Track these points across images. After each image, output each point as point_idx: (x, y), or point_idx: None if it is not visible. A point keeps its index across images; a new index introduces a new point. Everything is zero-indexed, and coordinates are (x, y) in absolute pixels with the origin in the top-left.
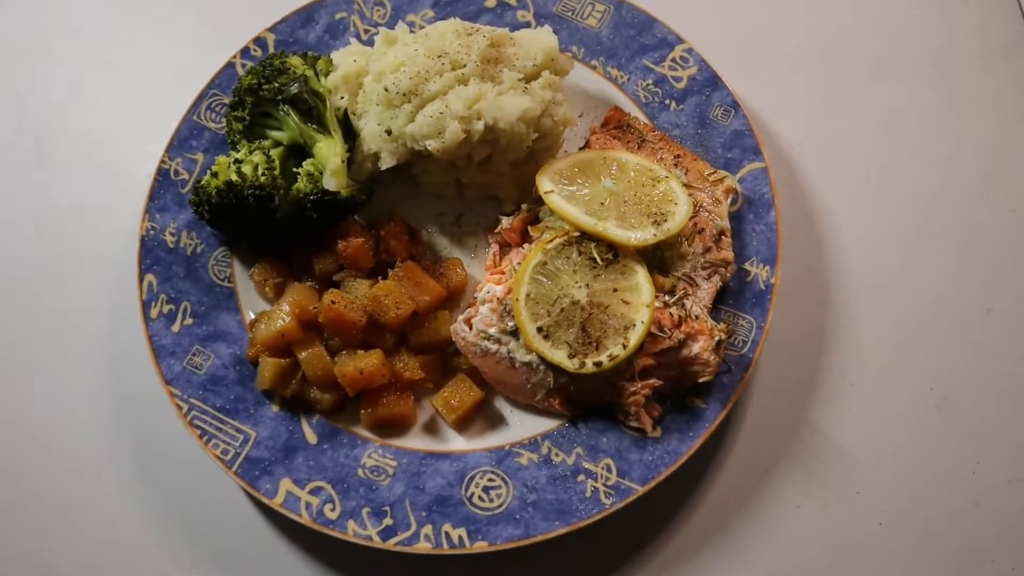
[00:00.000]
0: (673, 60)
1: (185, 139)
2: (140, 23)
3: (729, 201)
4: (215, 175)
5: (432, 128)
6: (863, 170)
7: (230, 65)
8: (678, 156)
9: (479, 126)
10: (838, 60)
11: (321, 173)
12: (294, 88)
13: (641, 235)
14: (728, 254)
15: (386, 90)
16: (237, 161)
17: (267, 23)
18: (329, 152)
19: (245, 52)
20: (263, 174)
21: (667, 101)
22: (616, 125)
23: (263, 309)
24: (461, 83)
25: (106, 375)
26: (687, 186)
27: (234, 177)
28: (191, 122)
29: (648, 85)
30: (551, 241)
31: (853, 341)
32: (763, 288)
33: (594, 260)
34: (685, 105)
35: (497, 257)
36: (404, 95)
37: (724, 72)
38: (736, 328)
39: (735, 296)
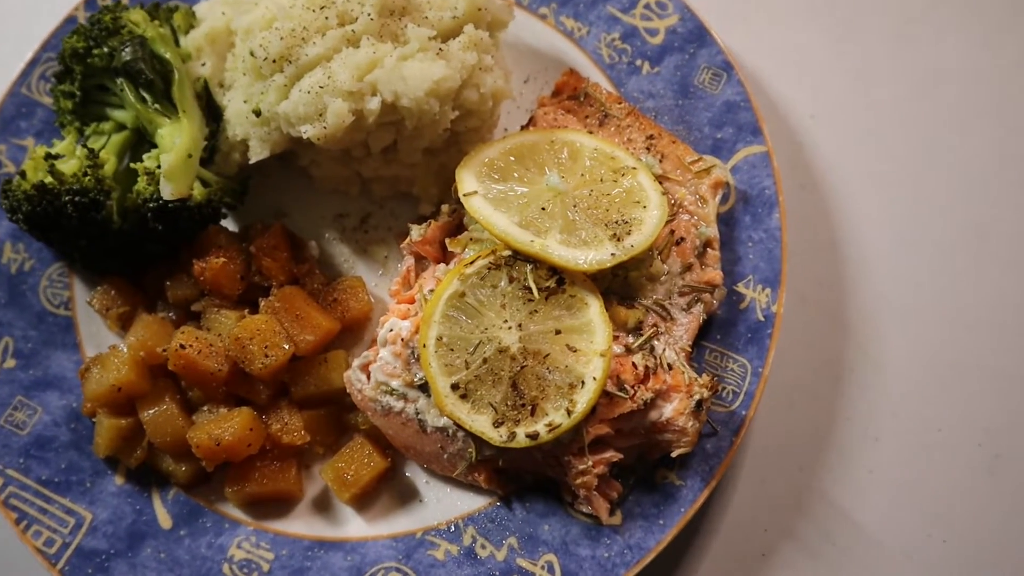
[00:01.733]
0: (647, 7)
1: (11, 119)
2: None
3: (718, 199)
4: (22, 175)
5: (311, 108)
6: (892, 151)
7: (71, 20)
8: (651, 137)
9: (373, 104)
10: (859, 9)
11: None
12: (126, 54)
13: (594, 256)
14: (715, 274)
15: (252, 55)
16: (51, 156)
17: None
18: (169, 143)
19: (90, 1)
20: (86, 173)
21: (638, 62)
22: (570, 95)
23: (110, 343)
24: (350, 44)
25: None
26: (662, 179)
27: (47, 178)
28: (19, 96)
29: (613, 40)
30: (472, 263)
31: (878, 382)
32: (761, 319)
33: (528, 290)
34: (662, 67)
35: (411, 274)
36: (274, 62)
37: (714, 22)
38: (723, 376)
39: (723, 329)
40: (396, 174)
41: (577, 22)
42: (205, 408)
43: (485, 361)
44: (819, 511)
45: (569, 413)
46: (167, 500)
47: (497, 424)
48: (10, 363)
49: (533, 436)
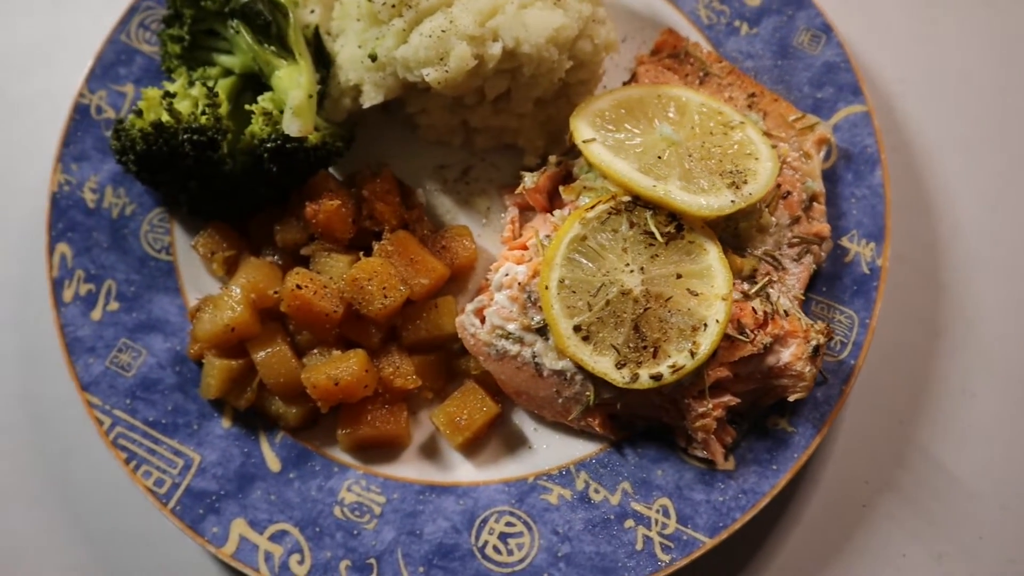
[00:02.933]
0: None
1: (111, 65)
2: None
3: (822, 155)
4: (139, 114)
5: (432, 51)
6: (983, 114)
7: None
8: (753, 95)
9: (495, 49)
10: None
11: (281, 112)
12: None
13: (715, 201)
14: (823, 227)
15: (370, 0)
16: (169, 95)
17: None
18: (291, 83)
19: None
20: (203, 112)
21: (736, 23)
22: (670, 53)
23: (211, 289)
24: None
25: (4, 375)
26: (766, 135)
27: (165, 117)
28: (118, 43)
29: (711, 2)
30: (592, 208)
31: (973, 339)
32: (867, 272)
33: (650, 235)
34: (760, 28)
35: (517, 225)
36: (393, 6)
37: None
38: (833, 325)
39: (829, 281)
40: (503, 125)
41: None
42: (315, 351)
43: (608, 303)
44: (918, 464)
45: (693, 354)
46: (274, 443)
47: (620, 365)
48: (113, 305)
49: (656, 377)
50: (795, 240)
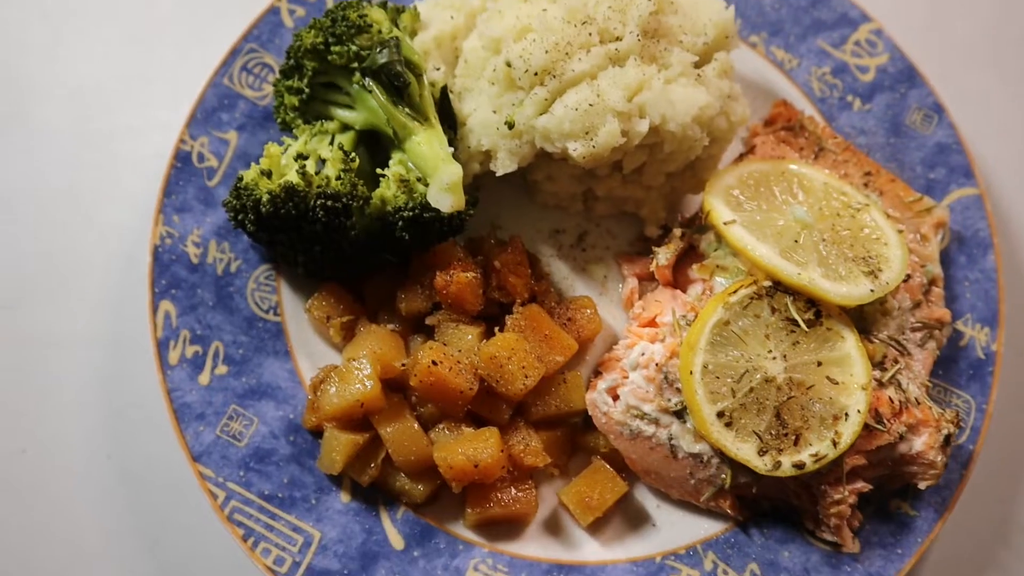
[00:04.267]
0: (857, 44)
1: (213, 111)
2: None
3: (938, 239)
4: (266, 174)
5: (578, 125)
6: None
7: (273, 10)
8: (868, 174)
9: (642, 126)
10: None
11: (419, 180)
12: (383, 57)
13: (855, 290)
14: (944, 312)
15: (509, 65)
16: (300, 156)
17: None
18: (433, 151)
19: None
20: (339, 177)
21: (849, 97)
22: (785, 126)
23: (321, 355)
24: (615, 63)
25: (102, 437)
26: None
27: (295, 178)
28: (220, 87)
29: (824, 74)
30: (735, 292)
31: None
32: (982, 356)
33: (792, 321)
34: (873, 104)
35: (635, 295)
36: (536, 74)
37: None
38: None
39: (944, 365)
40: (628, 195)
41: (788, 53)
42: (441, 426)
43: (751, 390)
44: (1020, 542)
45: (835, 444)
46: (396, 519)
47: (762, 452)
48: (222, 369)
49: (799, 466)
50: (917, 325)
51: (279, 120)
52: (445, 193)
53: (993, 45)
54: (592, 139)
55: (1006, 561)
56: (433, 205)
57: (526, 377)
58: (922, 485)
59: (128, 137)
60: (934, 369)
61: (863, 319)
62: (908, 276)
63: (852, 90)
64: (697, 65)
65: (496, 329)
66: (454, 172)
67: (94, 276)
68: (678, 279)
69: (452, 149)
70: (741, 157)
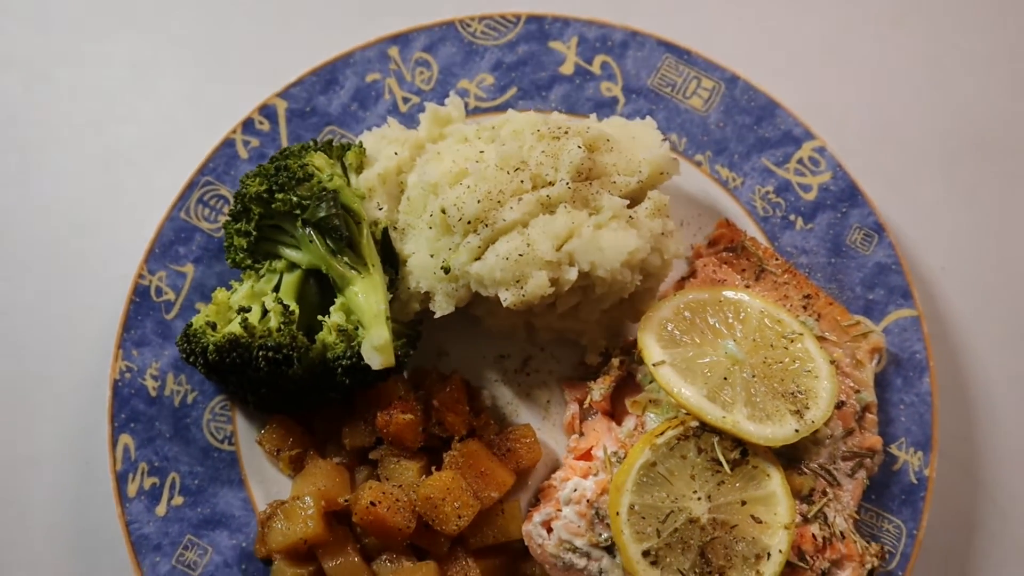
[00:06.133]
0: (800, 162)
1: (170, 244)
2: (115, 70)
3: (874, 363)
4: (212, 325)
5: (508, 274)
6: (1020, 306)
7: (228, 143)
8: (808, 297)
9: (571, 274)
10: (989, 159)
11: (356, 328)
12: (321, 211)
13: (780, 431)
14: (876, 439)
15: (444, 212)
16: (243, 309)
17: (277, 84)
18: (370, 305)
19: (248, 125)
20: (279, 329)
21: (792, 216)
22: (727, 247)
23: (274, 481)
24: (546, 210)
25: (66, 560)
26: (820, 340)
27: (239, 331)
28: (177, 220)
29: (768, 193)
30: (662, 434)
31: (1006, 532)
32: (915, 482)
33: (716, 462)
34: (815, 223)
35: (577, 422)
36: (469, 223)
37: (856, 173)
38: (880, 534)
39: (877, 489)
40: (567, 326)
41: (732, 172)
42: (383, 558)
43: (676, 530)
44: None
45: None
46: None
47: None
48: (178, 500)
49: None
50: (848, 454)
51: (229, 260)
52: (375, 353)
53: (944, 154)
54: (522, 287)
55: None
56: (367, 361)
57: (459, 517)
58: None
59: (95, 265)
60: (866, 493)
61: (794, 448)
62: (842, 403)
63: (795, 209)
64: (631, 204)
65: (433, 468)
66: (382, 335)
67: (65, 398)
68: (616, 407)
69: (393, 293)
70: (683, 280)
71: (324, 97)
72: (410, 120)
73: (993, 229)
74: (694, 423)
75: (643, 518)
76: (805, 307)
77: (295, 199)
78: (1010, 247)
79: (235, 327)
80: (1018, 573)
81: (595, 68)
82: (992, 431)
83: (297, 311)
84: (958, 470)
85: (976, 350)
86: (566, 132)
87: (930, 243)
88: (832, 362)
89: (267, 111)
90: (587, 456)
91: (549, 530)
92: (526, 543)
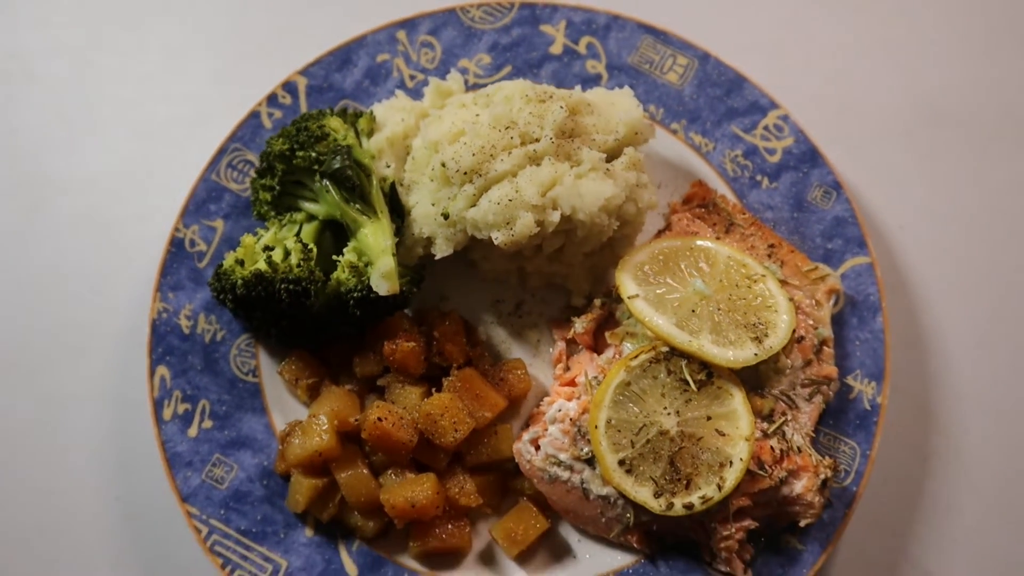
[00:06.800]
0: (766, 128)
1: (202, 202)
2: (150, 55)
3: (831, 303)
4: (240, 263)
5: (499, 217)
6: (974, 259)
7: (254, 115)
8: (772, 246)
9: (554, 217)
10: (945, 127)
11: (367, 265)
12: (336, 163)
13: (740, 354)
14: (831, 369)
15: (443, 165)
16: (268, 247)
17: (297, 63)
18: (378, 242)
19: (272, 99)
20: (299, 264)
21: (758, 177)
22: (700, 203)
23: (292, 410)
24: (533, 162)
25: (109, 480)
26: (783, 283)
27: (264, 267)
28: (209, 182)
29: (737, 156)
30: (636, 357)
31: (958, 463)
32: (868, 408)
33: (685, 382)
34: (779, 183)
35: (564, 358)
36: (465, 173)
37: (818, 139)
38: (837, 455)
39: (835, 416)
40: (554, 270)
41: (704, 138)
42: (390, 471)
43: (648, 442)
44: (909, 574)
45: (720, 488)
46: (352, 551)
47: (657, 495)
48: (208, 424)
49: (688, 507)
50: (807, 381)
51: (255, 213)
52: (383, 280)
53: (901, 123)
54: (512, 228)
55: None
56: (375, 289)
57: (456, 431)
58: (803, 523)
59: (134, 223)
60: (825, 419)
61: (758, 377)
62: (802, 337)
63: (761, 170)
64: (608, 159)
65: (433, 391)
66: (388, 264)
67: (106, 344)
68: (598, 343)
69: (398, 238)
70: (660, 232)
71: (339, 74)
72: (416, 95)
73: (948, 191)
74: (664, 348)
75: (619, 431)
76: (769, 255)
77: (314, 155)
78: (963, 207)
79: (261, 264)
80: (966, 497)
81: (581, 48)
82: (945, 370)
83: (315, 251)
84: (912, 406)
85: (931, 299)
86: (551, 96)
87: (890, 204)
88: (791, 300)
89: (289, 87)
90: (571, 383)
91: (537, 447)
92: (516, 460)
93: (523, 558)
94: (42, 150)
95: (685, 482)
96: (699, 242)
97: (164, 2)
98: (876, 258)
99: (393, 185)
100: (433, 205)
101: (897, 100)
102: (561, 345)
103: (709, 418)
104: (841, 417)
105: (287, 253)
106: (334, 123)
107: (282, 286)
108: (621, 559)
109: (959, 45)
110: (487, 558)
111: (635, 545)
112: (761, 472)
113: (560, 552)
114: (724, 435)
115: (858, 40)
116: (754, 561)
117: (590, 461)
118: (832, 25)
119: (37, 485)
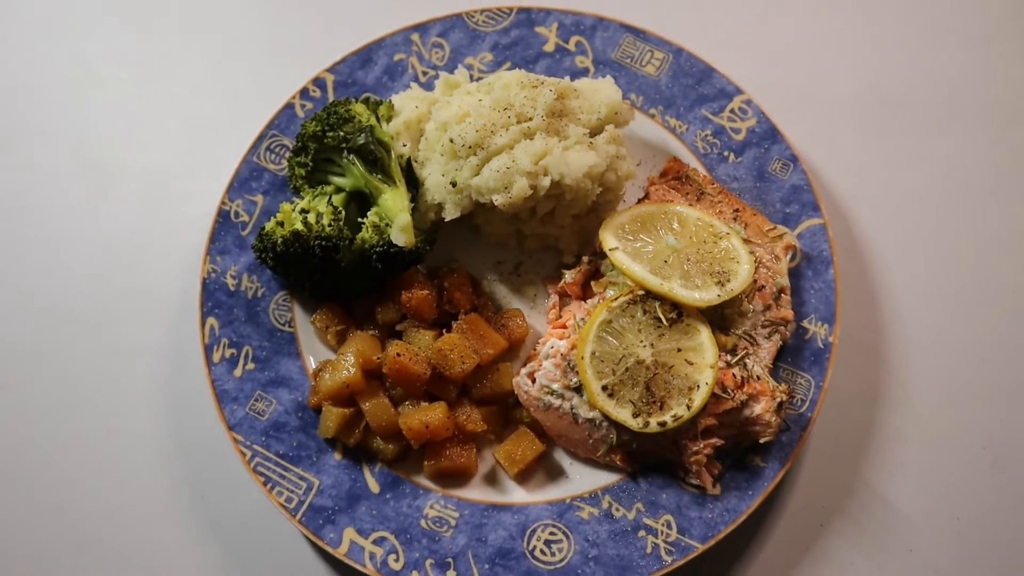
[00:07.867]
0: (732, 111)
1: (245, 180)
2: (196, 59)
3: (788, 258)
4: (280, 224)
5: (499, 182)
6: (919, 224)
7: (289, 106)
8: (737, 210)
9: (545, 182)
10: (895, 110)
11: (387, 224)
12: (360, 139)
13: (705, 295)
14: (788, 313)
15: (451, 141)
16: (303, 211)
17: (325, 63)
18: (396, 204)
19: (304, 93)
20: (330, 224)
21: (725, 153)
22: (675, 176)
23: (323, 355)
24: (527, 137)
25: (165, 417)
26: (747, 241)
27: (300, 226)
28: (250, 163)
29: (707, 136)
30: (616, 299)
31: (905, 399)
32: (821, 347)
33: (659, 320)
34: (743, 157)
35: (558, 308)
36: (470, 147)
37: (781, 122)
38: (795, 387)
39: (793, 354)
40: (547, 232)
41: (679, 121)
42: (407, 403)
43: (627, 370)
44: (862, 493)
45: (689, 408)
46: (374, 471)
47: (635, 415)
48: (251, 366)
49: (662, 424)
50: (766, 323)
51: (291, 187)
52: (400, 233)
53: (852, 106)
54: (509, 192)
55: (849, 506)
56: (394, 242)
57: (463, 363)
58: (762, 440)
59: (185, 201)
60: (783, 357)
61: (724, 319)
62: (762, 286)
63: (728, 147)
64: (592, 135)
65: (443, 331)
66: (405, 219)
67: (162, 303)
68: (586, 294)
69: (413, 204)
70: (639, 201)
71: (362, 71)
72: (428, 87)
73: (897, 165)
74: (641, 292)
75: (602, 362)
76: (735, 218)
77: (342, 134)
78: (908, 178)
79: (298, 224)
80: (911, 427)
81: (571, 46)
82: (893, 320)
83: (344, 213)
84: (864, 352)
85: (881, 259)
86: (542, 83)
87: (843, 176)
88: (752, 253)
89: (318, 82)
90: (562, 327)
91: (533, 380)
92: (515, 392)
93: (522, 477)
94: (104, 139)
95: (659, 404)
96: (671, 207)
97: (208, 15)
98: (828, 220)
99: (409, 160)
100: (443, 175)
101: (848, 87)
102: (555, 298)
103: (679, 350)
104: (798, 355)
105: (319, 216)
106: (359, 108)
107: (316, 243)
108: (608, 478)
109: (903, 38)
110: (491, 479)
111: (619, 464)
112: (725, 395)
113: (555, 473)
114: (692, 364)
115: (814, 36)
116: (722, 476)
117: (578, 389)
118: (791, 23)
119: (99, 427)
